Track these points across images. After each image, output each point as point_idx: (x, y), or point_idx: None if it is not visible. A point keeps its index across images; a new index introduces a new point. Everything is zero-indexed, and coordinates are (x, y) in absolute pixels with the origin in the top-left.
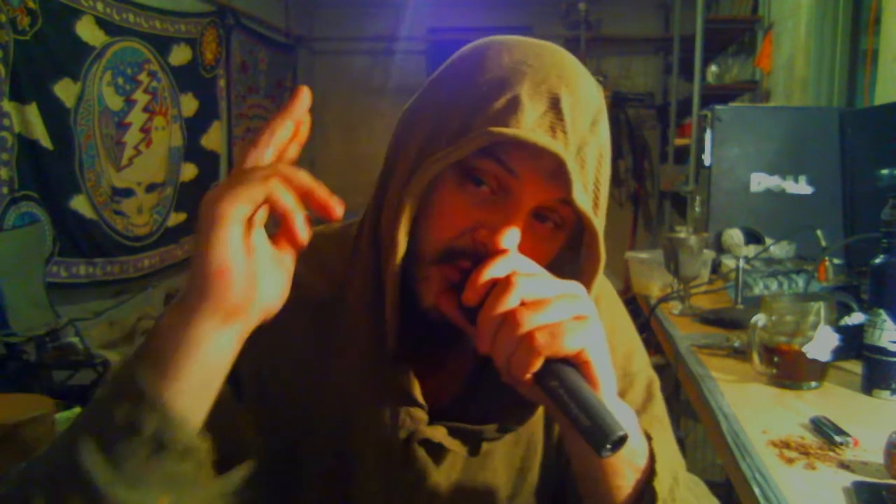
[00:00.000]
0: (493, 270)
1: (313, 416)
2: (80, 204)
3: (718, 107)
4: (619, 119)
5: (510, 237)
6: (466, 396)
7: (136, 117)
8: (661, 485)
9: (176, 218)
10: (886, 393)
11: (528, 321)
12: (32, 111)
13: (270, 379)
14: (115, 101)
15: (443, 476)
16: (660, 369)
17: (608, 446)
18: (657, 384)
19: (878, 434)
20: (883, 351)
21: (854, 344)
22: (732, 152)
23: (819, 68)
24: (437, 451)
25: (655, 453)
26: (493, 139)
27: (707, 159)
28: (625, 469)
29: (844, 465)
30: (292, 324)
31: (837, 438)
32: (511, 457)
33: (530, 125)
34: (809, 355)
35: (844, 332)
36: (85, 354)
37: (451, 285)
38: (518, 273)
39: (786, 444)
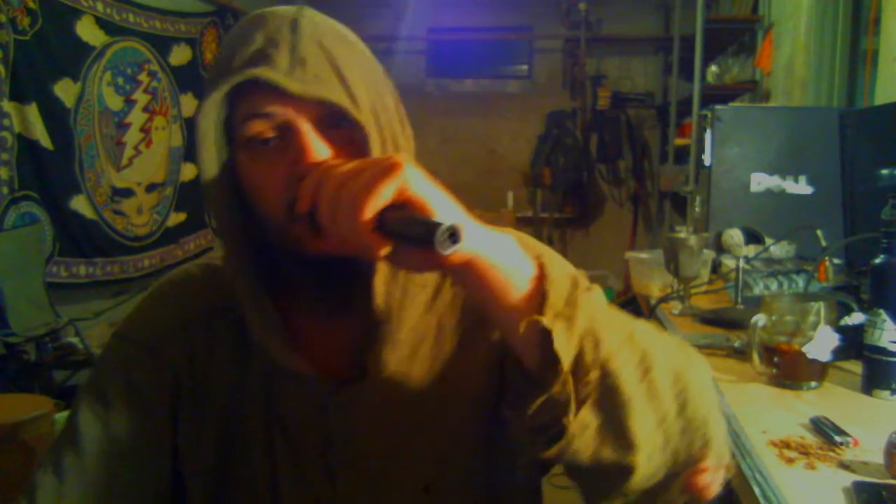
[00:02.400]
0: (312, 176)
1: (240, 419)
2: (80, 204)
3: (718, 107)
4: (619, 119)
5: (316, 153)
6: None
7: (136, 117)
8: (554, 285)
9: (176, 218)
10: (886, 393)
11: (349, 187)
12: (32, 111)
13: (199, 393)
14: (115, 101)
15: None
16: None
17: (445, 239)
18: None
19: (878, 434)
20: (883, 351)
21: (854, 344)
22: (732, 152)
23: (819, 68)
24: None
25: (546, 266)
26: (230, 86)
27: (707, 159)
28: (511, 280)
29: (844, 465)
30: (217, 338)
31: (837, 438)
32: (431, 362)
33: (252, 60)
34: (809, 355)
35: (844, 332)
36: (85, 354)
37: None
38: (329, 163)
39: (786, 444)
